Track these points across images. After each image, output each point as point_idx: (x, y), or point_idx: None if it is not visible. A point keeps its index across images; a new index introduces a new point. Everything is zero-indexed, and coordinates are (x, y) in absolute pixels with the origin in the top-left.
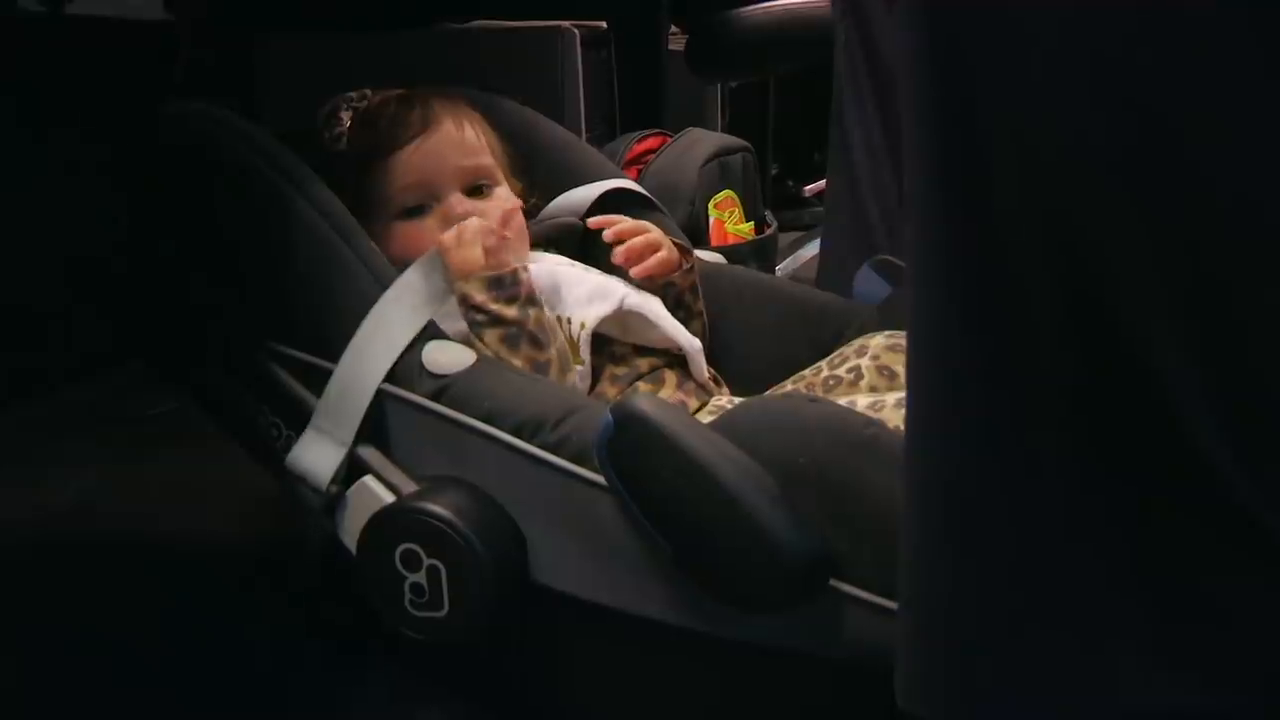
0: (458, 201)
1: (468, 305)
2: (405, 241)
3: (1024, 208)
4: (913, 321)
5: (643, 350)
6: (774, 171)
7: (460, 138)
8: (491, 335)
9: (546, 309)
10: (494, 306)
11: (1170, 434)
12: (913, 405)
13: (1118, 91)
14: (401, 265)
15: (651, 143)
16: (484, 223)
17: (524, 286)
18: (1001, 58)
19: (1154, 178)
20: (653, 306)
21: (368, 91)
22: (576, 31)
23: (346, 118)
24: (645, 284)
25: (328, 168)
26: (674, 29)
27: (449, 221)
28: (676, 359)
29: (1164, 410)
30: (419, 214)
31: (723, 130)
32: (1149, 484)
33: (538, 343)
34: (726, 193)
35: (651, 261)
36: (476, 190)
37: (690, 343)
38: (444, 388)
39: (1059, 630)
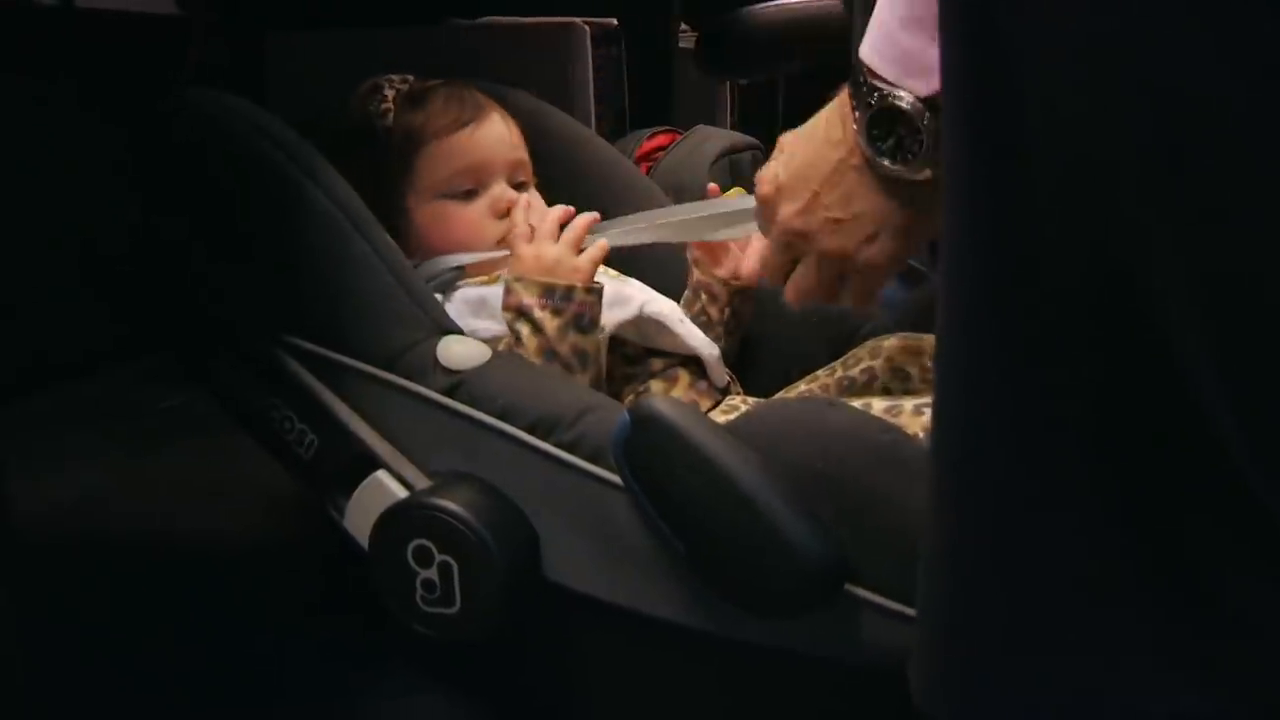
0: (505, 190)
1: (514, 305)
2: (453, 223)
3: (1055, 201)
4: (941, 315)
5: (656, 350)
6: None
7: (507, 131)
8: (526, 348)
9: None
10: (539, 314)
11: (1190, 433)
12: (936, 402)
13: (1153, 82)
14: (442, 246)
15: (661, 140)
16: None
17: (576, 305)
18: (1039, 47)
19: (1185, 173)
20: (670, 314)
21: (409, 77)
22: (587, 28)
23: (391, 95)
24: (711, 286)
25: (343, 152)
26: (684, 27)
27: (497, 209)
28: (691, 359)
29: (1185, 408)
30: (468, 198)
31: (731, 128)
32: (1164, 484)
33: (570, 369)
34: (736, 190)
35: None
36: (518, 186)
37: (709, 350)
38: (458, 383)
39: (1073, 628)
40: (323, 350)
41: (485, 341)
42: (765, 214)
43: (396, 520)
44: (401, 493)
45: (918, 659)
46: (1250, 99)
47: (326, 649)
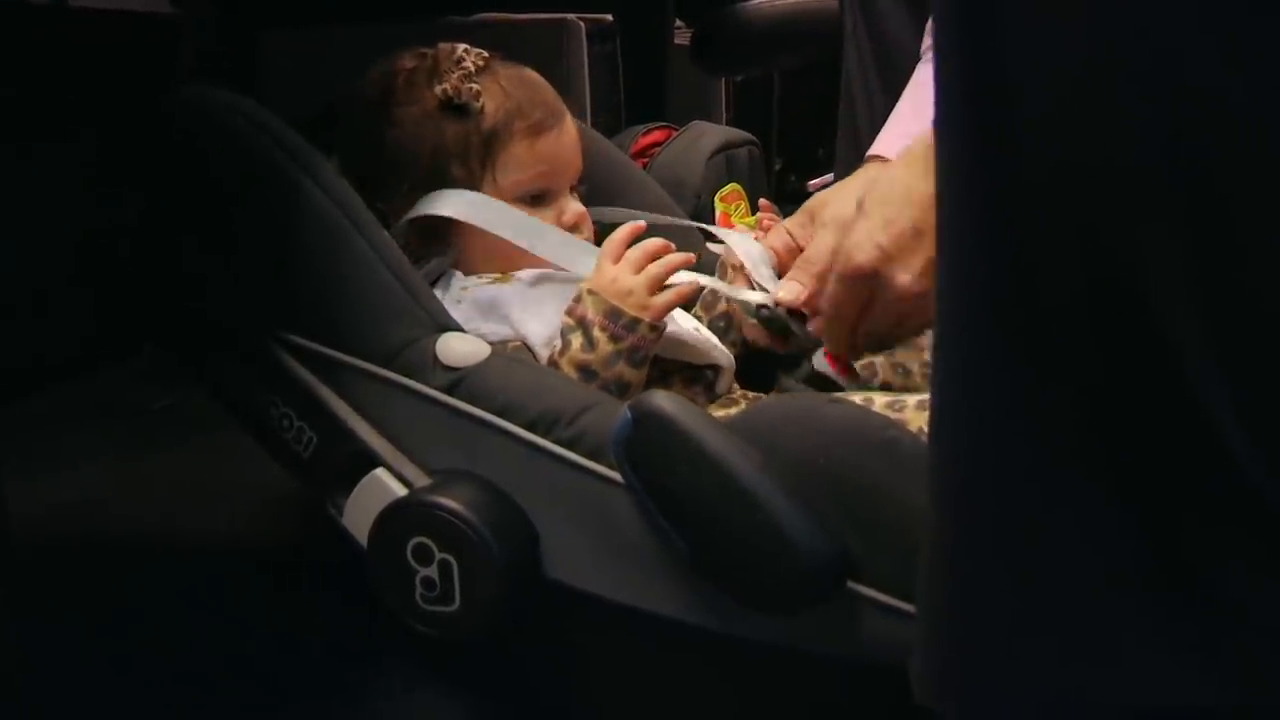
0: (570, 203)
1: (577, 315)
2: None
3: (1050, 197)
4: (939, 310)
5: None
6: (778, 166)
7: (575, 135)
8: (570, 358)
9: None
10: (597, 332)
11: (1189, 428)
12: (934, 394)
13: (1150, 75)
14: (511, 250)
15: (657, 136)
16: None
17: (636, 338)
18: (1033, 40)
19: (1182, 168)
20: (685, 326)
21: (467, 47)
22: (582, 24)
23: (471, 67)
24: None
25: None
26: (679, 23)
27: (562, 222)
28: (686, 364)
29: (1183, 402)
30: (536, 203)
31: (727, 124)
32: (1165, 478)
33: (607, 393)
34: (732, 186)
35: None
36: (571, 190)
37: (726, 358)
38: (458, 381)
39: (1073, 623)
40: (321, 347)
41: (493, 345)
42: (872, 285)
43: (396, 518)
44: (401, 490)
45: (918, 654)
46: (1250, 92)
47: (325, 648)
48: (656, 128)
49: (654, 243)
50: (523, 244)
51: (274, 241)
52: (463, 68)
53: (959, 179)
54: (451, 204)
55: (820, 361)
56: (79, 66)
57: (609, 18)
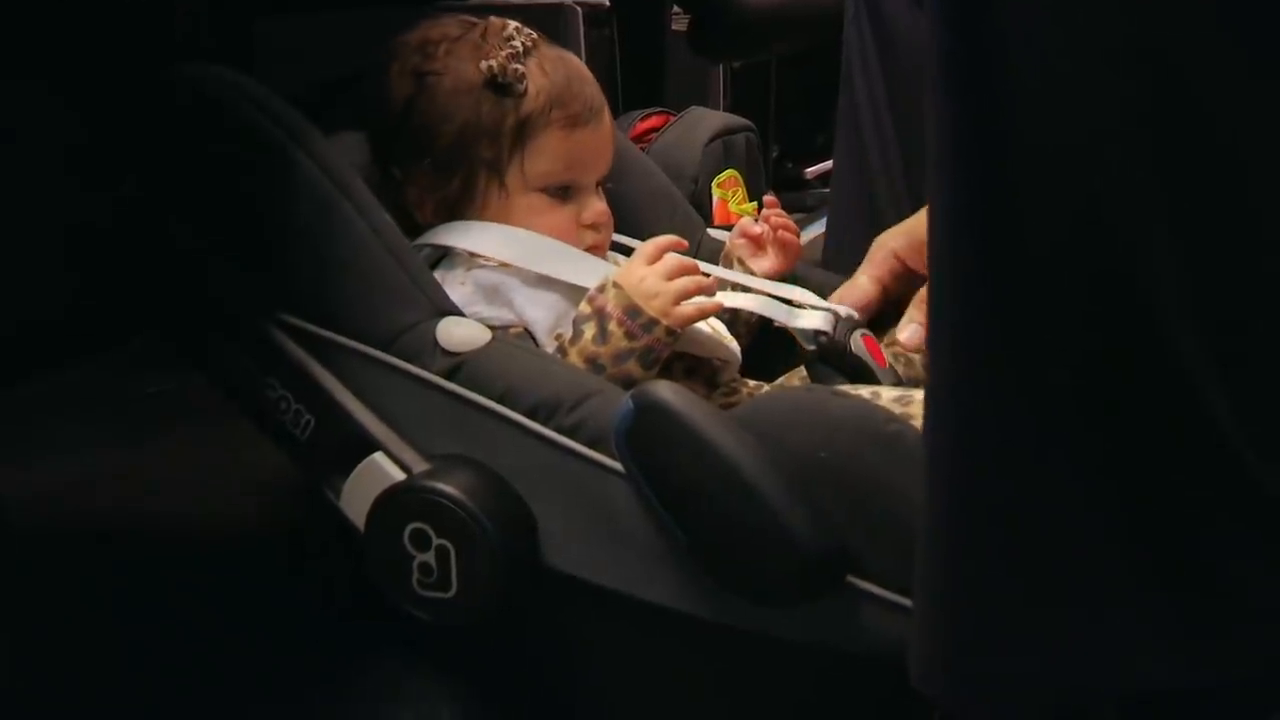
0: (595, 201)
1: (597, 305)
2: (549, 223)
3: (1047, 184)
4: (932, 299)
5: None
6: (775, 153)
7: (610, 131)
8: (581, 349)
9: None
10: (613, 326)
11: (1186, 415)
12: (930, 382)
13: (1146, 61)
14: None
15: (654, 121)
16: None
17: (651, 339)
18: (1029, 25)
19: (1180, 155)
20: (701, 325)
21: (518, 25)
22: (579, 9)
23: (520, 47)
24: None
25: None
26: (676, 9)
27: (584, 219)
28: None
29: (1181, 390)
30: (561, 196)
31: (725, 110)
32: (1164, 466)
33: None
34: (730, 172)
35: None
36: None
37: (733, 353)
38: (458, 366)
39: (1070, 609)
40: (320, 330)
41: (494, 330)
42: None
43: (393, 503)
44: (399, 475)
45: (914, 639)
46: (1248, 66)
47: (320, 634)
48: (653, 113)
49: (690, 262)
50: (550, 272)
51: (274, 223)
52: (511, 46)
53: (950, 160)
54: (473, 238)
55: (858, 344)
56: (68, 51)
57: (606, 2)
